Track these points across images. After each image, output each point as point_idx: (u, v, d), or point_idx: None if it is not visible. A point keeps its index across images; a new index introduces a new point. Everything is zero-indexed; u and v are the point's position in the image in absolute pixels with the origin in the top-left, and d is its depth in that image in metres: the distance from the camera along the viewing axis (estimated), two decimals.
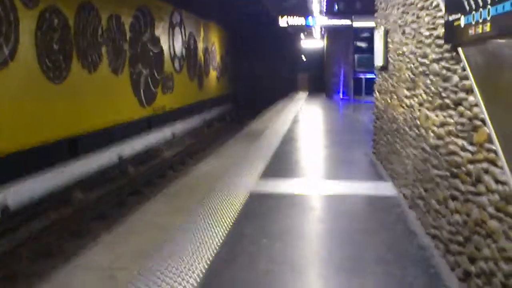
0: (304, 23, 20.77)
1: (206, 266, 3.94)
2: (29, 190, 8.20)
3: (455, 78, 3.72)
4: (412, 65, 5.33)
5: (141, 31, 13.85)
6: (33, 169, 8.44)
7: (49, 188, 8.75)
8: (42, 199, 8.51)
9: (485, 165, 3.09)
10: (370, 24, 12.72)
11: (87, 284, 3.68)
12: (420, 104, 4.87)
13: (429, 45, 4.56)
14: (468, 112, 3.41)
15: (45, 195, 8.58)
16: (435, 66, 4.31)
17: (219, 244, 4.44)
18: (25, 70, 8.35)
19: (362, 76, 21.07)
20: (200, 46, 21.09)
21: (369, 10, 10.32)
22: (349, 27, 20.36)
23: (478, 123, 3.22)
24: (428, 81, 4.55)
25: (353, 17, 19.78)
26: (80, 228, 8.49)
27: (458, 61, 3.67)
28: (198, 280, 3.70)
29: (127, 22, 12.75)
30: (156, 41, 15.12)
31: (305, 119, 15.31)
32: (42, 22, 8.83)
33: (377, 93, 8.06)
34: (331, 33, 23.29)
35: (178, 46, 17.54)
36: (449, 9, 3.71)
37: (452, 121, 3.78)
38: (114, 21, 11.94)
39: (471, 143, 3.35)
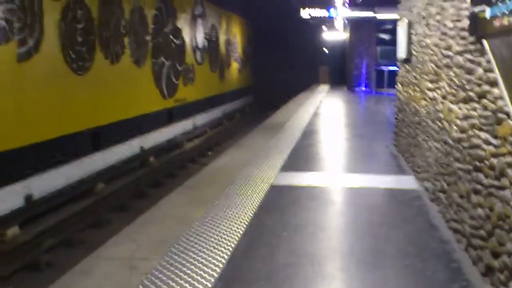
0: (326, 15, 20.64)
1: (227, 257, 3.96)
2: (52, 181, 8.32)
3: (479, 71, 3.67)
4: (435, 57, 5.26)
5: (164, 22, 13.90)
6: (56, 159, 8.55)
7: (72, 178, 8.87)
8: (64, 190, 8.61)
9: (509, 159, 3.04)
10: (393, 15, 12.57)
11: (109, 274, 3.72)
12: (443, 97, 4.81)
13: (453, 37, 4.49)
14: (492, 105, 3.36)
15: (67, 186, 8.70)
16: (459, 59, 4.25)
17: (239, 236, 4.45)
18: (50, 61, 8.44)
19: (384, 68, 20.87)
20: (222, 37, 21.10)
21: (392, 2, 10.20)
22: (372, 18, 20.15)
23: (502, 116, 3.17)
24: (452, 74, 4.49)
25: (376, 8, 19.57)
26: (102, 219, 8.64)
27: (482, 53, 3.61)
28: (219, 271, 3.72)
29: (150, 14, 12.81)
30: (178, 32, 15.16)
31: (326, 112, 15.24)
32: (66, 14, 8.91)
33: (399, 85, 7.98)
34: (353, 25, 23.07)
35: (200, 38, 17.57)
36: (474, 1, 3.64)
37: (475, 114, 3.73)
38: (137, 13, 12.00)
39: (495, 137, 3.30)
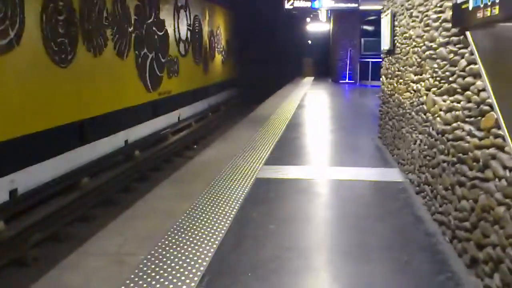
0: (309, 6, 20.60)
1: (213, 251, 3.95)
2: (36, 175, 8.25)
3: (463, 63, 3.69)
4: (419, 49, 5.28)
5: (146, 13, 13.78)
6: (40, 153, 8.47)
7: (57, 173, 8.80)
8: (49, 184, 8.54)
9: (492, 150, 3.07)
10: (377, 7, 12.61)
11: (96, 269, 3.70)
12: (427, 89, 4.84)
13: (436, 28, 4.51)
14: (476, 97, 3.38)
15: (52, 180, 8.63)
16: (443, 50, 4.26)
17: (225, 229, 4.45)
18: (31, 53, 8.33)
19: (368, 60, 20.95)
20: (205, 29, 20.97)
21: None
22: (356, 10, 20.16)
23: (486, 108, 3.20)
24: (436, 65, 4.51)
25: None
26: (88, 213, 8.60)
27: (466, 45, 3.63)
28: (205, 264, 3.72)
29: (132, 5, 12.69)
30: (161, 24, 15.04)
31: (310, 104, 15.26)
32: (47, 5, 8.78)
33: (383, 77, 8.01)
34: (337, 16, 23.10)
35: (183, 29, 17.45)
36: None
37: (459, 106, 3.75)
38: (119, 4, 11.87)
39: (479, 129, 3.32)
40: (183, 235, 4.29)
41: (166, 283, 3.44)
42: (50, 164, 8.65)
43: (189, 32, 18.16)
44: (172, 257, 3.84)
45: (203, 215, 4.82)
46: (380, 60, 8.47)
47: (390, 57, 7.35)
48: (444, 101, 4.19)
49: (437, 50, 4.44)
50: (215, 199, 5.31)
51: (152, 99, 14.12)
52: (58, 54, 9.09)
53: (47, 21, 8.76)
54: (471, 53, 3.47)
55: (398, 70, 6.62)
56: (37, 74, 8.47)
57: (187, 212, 4.90)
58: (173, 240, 4.18)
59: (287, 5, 20.38)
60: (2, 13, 7.54)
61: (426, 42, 4.93)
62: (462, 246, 3.57)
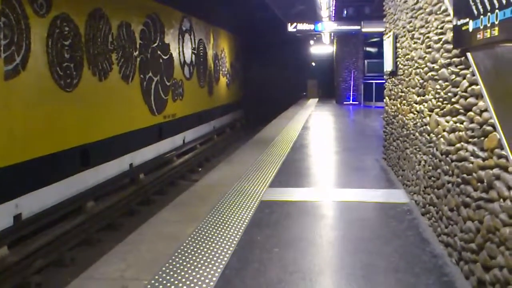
0: (313, 29, 20.78)
1: (217, 275, 3.92)
2: (41, 199, 8.26)
3: (465, 83, 3.70)
4: (421, 70, 5.30)
5: (151, 38, 13.92)
6: (45, 178, 8.49)
7: (61, 197, 8.80)
8: (54, 208, 8.54)
9: (496, 171, 3.06)
10: (379, 29, 12.70)
11: None
12: (430, 110, 4.84)
13: (438, 50, 4.54)
14: (478, 118, 3.39)
15: (56, 205, 8.63)
16: (444, 71, 4.28)
17: (230, 252, 4.42)
18: (37, 78, 8.42)
19: (372, 81, 21.03)
20: (210, 52, 21.16)
21: (378, 15, 10.33)
22: (358, 32, 20.33)
23: (489, 128, 3.19)
24: (438, 86, 4.53)
25: (362, 22, 19.73)
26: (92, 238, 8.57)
27: (467, 66, 3.64)
28: None
29: (137, 30, 12.83)
30: (166, 48, 15.19)
31: (315, 126, 15.28)
32: (53, 30, 8.90)
33: (387, 98, 8.03)
34: (340, 38, 23.28)
35: (188, 53, 17.61)
36: (457, 14, 3.68)
37: (462, 126, 3.75)
38: (124, 29, 12.01)
39: (482, 149, 3.32)
40: (187, 259, 4.27)
41: None
42: (54, 189, 8.67)
43: (193, 56, 18.32)
44: (176, 282, 3.81)
45: (208, 238, 4.80)
46: (384, 81, 8.50)
47: (393, 78, 7.37)
48: (447, 121, 4.19)
49: (439, 71, 4.46)
50: (219, 223, 5.29)
51: (157, 122, 14.18)
52: (64, 78, 9.18)
53: (53, 46, 8.87)
54: (473, 74, 3.48)
55: (401, 91, 6.64)
56: (42, 98, 8.54)
57: (192, 235, 4.88)
58: (177, 265, 4.15)
59: (290, 28, 20.58)
60: (8, 38, 7.64)
61: (428, 64, 4.95)
62: (469, 268, 3.53)
